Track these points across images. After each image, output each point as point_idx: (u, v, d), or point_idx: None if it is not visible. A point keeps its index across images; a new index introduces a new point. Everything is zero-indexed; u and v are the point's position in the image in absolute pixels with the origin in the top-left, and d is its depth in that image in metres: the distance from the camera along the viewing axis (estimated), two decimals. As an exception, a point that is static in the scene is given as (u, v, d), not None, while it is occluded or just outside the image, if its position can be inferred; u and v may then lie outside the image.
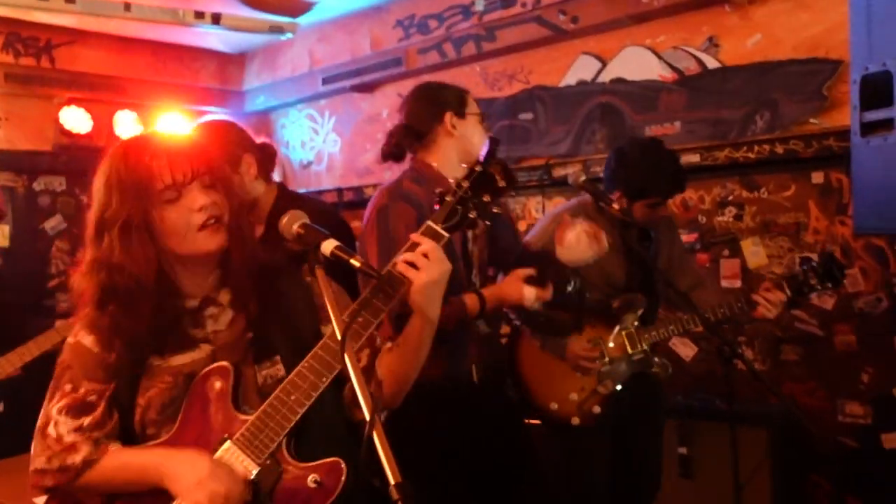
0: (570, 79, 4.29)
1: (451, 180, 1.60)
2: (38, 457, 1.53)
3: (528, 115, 4.47)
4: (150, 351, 1.54)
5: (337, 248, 1.46)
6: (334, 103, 5.58)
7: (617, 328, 2.82)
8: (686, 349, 3.90)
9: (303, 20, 5.12)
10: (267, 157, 2.56)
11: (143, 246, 1.50)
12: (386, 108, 5.24)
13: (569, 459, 2.82)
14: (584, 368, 2.76)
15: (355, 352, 1.45)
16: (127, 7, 4.59)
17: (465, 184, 1.58)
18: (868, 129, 2.20)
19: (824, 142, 3.40)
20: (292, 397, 1.47)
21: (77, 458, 1.50)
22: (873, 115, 2.18)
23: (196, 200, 1.51)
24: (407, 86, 4.99)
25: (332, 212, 3.11)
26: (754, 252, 3.72)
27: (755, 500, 3.10)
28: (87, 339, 1.55)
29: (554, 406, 2.78)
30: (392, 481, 1.17)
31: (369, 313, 1.51)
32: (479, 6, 4.51)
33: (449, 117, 2.42)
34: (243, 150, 2.45)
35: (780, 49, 3.55)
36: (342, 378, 1.46)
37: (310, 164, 5.81)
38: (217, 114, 5.74)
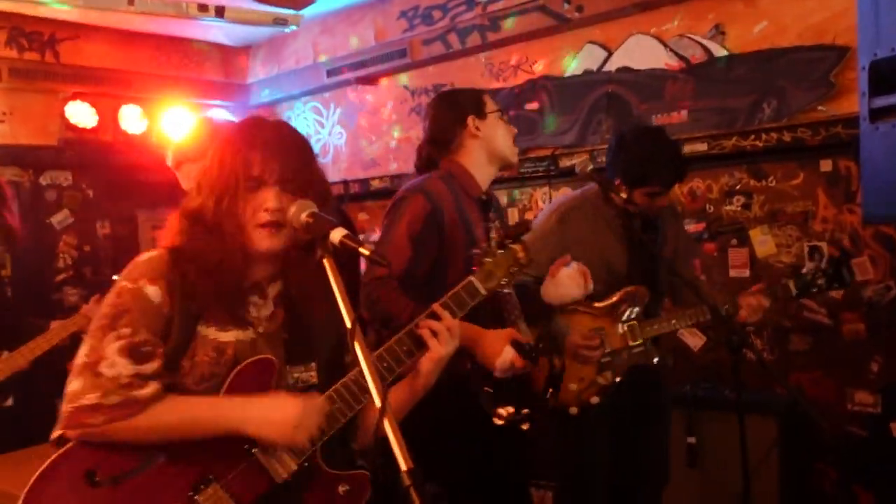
0: (576, 68, 4.27)
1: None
2: (87, 392, 1.42)
3: (533, 105, 4.45)
4: (202, 315, 1.55)
5: (346, 236, 1.47)
6: (339, 95, 5.57)
7: (620, 320, 2.80)
8: (694, 339, 3.89)
9: (307, 12, 5.10)
10: None
11: (229, 219, 1.55)
12: (391, 99, 5.23)
13: (565, 449, 2.81)
14: (584, 357, 2.72)
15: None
16: (131, 1, 4.58)
17: (500, 252, 1.81)
18: (877, 115, 2.17)
19: (832, 129, 3.38)
20: (335, 406, 1.57)
21: (146, 391, 1.44)
22: (882, 101, 2.16)
23: (268, 200, 1.54)
24: (412, 77, 5.05)
25: (334, 204, 3.11)
26: (762, 241, 3.70)
27: (763, 489, 3.09)
28: (150, 290, 1.51)
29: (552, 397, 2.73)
30: (403, 467, 1.19)
31: (391, 359, 1.64)
32: (484, -4, 4.49)
33: (472, 120, 2.49)
34: None
35: (786, 36, 3.52)
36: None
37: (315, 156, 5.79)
38: (222, 108, 5.75)
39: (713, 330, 3.75)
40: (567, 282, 2.54)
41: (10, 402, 4.57)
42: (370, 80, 5.27)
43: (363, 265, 2.48)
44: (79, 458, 1.45)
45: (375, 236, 2.80)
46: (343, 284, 1.56)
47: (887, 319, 3.35)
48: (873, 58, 2.16)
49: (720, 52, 3.74)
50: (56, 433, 1.47)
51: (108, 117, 5.23)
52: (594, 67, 4.20)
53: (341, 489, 1.58)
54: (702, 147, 3.75)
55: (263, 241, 1.56)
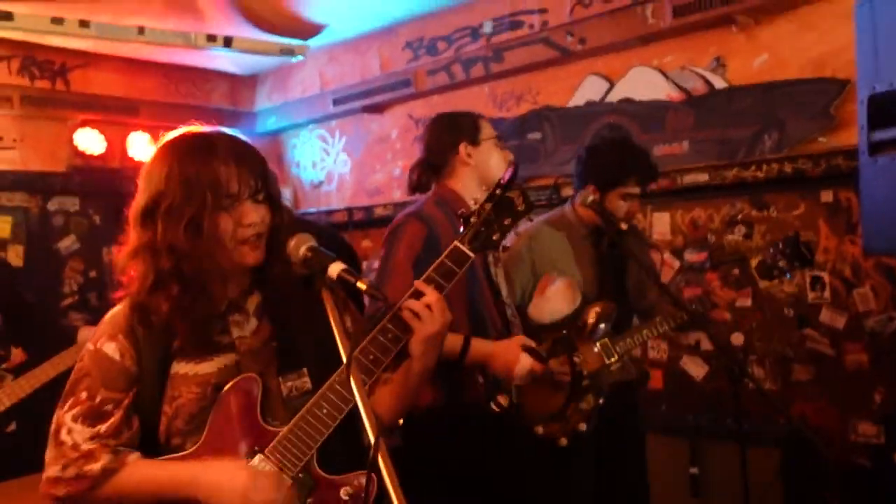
0: (578, 99, 4.32)
1: (472, 202, 1.64)
2: (51, 465, 1.49)
3: (536, 135, 4.49)
4: (175, 354, 1.53)
5: (343, 270, 1.47)
6: (345, 124, 5.63)
7: (593, 340, 2.76)
8: (697, 368, 3.89)
9: (313, 42, 5.18)
10: None
11: (206, 242, 1.49)
12: (396, 128, 5.28)
13: (557, 481, 2.76)
14: (560, 384, 2.66)
15: (365, 386, 1.47)
16: (140, 31, 4.66)
17: (488, 206, 1.61)
18: (876, 148, 2.20)
19: (833, 161, 3.41)
20: (324, 410, 1.50)
21: (96, 467, 1.46)
22: (881, 135, 2.19)
23: (247, 215, 1.52)
24: (416, 106, 5.11)
25: (331, 232, 3.15)
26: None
27: (767, 520, 3.08)
28: (109, 347, 1.53)
29: (539, 430, 2.65)
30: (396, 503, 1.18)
31: (378, 350, 1.55)
32: (487, 28, 4.56)
33: (463, 147, 2.48)
34: None
35: (786, 69, 3.57)
36: None
37: (320, 184, 5.85)
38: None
39: (716, 359, 3.76)
40: (557, 297, 2.56)
41: (13, 426, 4.56)
42: (375, 109, 5.33)
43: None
44: None
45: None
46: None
47: (890, 350, 3.35)
48: (872, 92, 2.20)
49: (721, 84, 3.79)
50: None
51: (116, 144, 5.30)
52: (596, 98, 4.25)
53: (343, 493, 1.52)
54: (703, 177, 3.78)
55: (249, 256, 1.54)
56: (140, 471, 1.49)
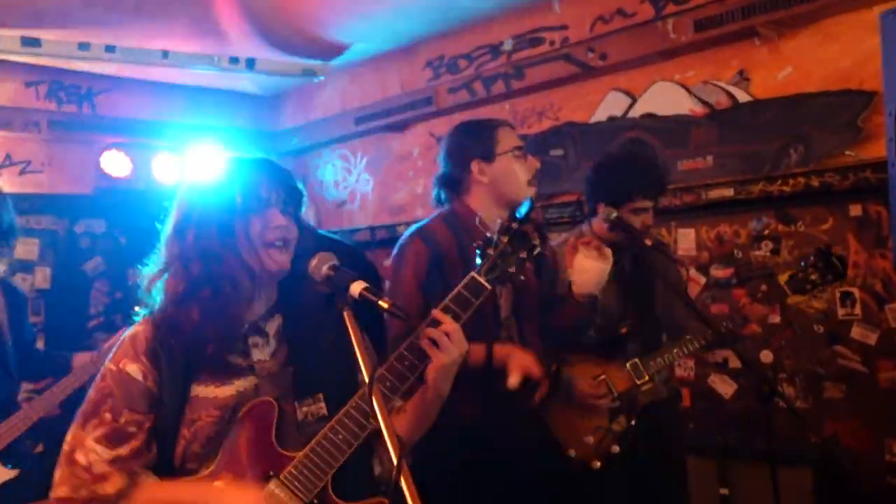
0: (600, 115, 4.30)
1: (488, 234, 1.64)
2: (61, 485, 1.50)
3: (558, 152, 4.47)
4: (196, 377, 1.53)
5: (365, 289, 1.48)
6: (366, 143, 5.65)
7: (622, 360, 2.73)
8: (725, 386, 3.82)
9: (334, 63, 5.22)
10: None
11: (237, 242, 1.57)
12: (417, 146, 5.29)
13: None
14: (594, 407, 2.65)
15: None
16: (165, 54, 4.73)
17: (504, 239, 1.61)
18: (904, 161, 2.17)
19: (861, 174, 3.35)
20: (339, 436, 1.50)
21: (110, 490, 1.47)
22: (910, 147, 2.15)
23: (276, 219, 1.58)
24: (437, 125, 5.11)
25: (353, 251, 3.16)
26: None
27: (800, 542, 3.01)
28: (132, 368, 1.53)
29: (572, 453, 2.65)
30: None
31: (394, 377, 1.56)
32: (508, 45, 4.56)
33: (475, 165, 2.42)
34: None
35: (810, 81, 3.52)
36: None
37: (343, 203, 5.87)
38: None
39: (744, 377, 3.69)
40: (587, 262, 2.37)
41: (41, 447, 4.59)
42: (397, 128, 5.35)
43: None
44: None
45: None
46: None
47: (924, 367, 3.27)
48: (899, 104, 2.16)
49: (745, 97, 3.75)
50: None
51: (142, 166, 5.35)
52: (618, 114, 4.22)
53: None
54: (728, 192, 3.73)
55: (276, 260, 1.57)
56: (154, 493, 1.50)
